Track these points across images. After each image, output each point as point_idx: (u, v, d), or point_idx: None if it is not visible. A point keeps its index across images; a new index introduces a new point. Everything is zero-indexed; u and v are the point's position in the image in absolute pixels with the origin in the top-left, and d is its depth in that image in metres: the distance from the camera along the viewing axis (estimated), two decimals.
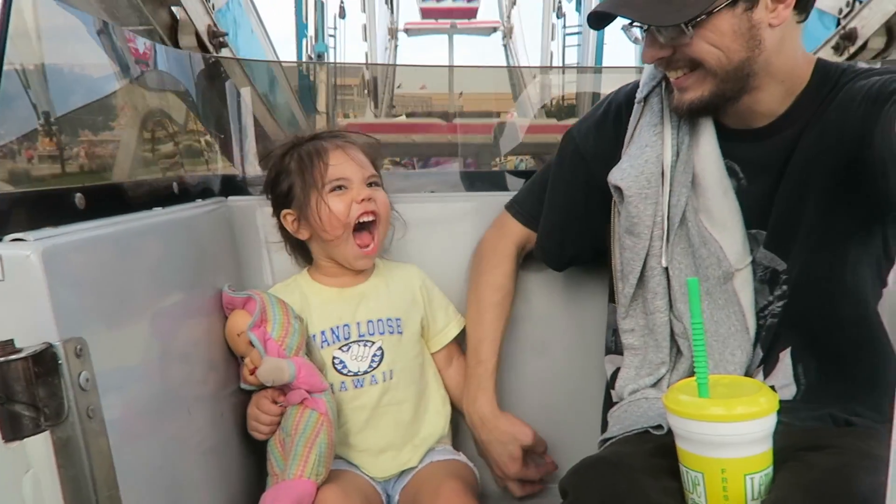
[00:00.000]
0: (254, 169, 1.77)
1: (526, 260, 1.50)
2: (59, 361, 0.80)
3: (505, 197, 1.52)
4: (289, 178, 1.37)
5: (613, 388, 1.27)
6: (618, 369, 1.27)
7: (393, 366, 1.38)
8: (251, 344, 1.25)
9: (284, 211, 1.39)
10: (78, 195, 1.01)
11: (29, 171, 1.08)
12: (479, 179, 1.81)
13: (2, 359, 0.74)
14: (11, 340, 0.76)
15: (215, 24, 1.92)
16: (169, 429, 1.08)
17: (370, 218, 1.35)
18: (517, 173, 1.76)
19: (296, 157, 1.38)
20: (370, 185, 1.37)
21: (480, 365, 1.42)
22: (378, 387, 1.37)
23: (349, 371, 1.36)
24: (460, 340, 1.50)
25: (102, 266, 0.96)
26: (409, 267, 1.50)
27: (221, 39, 1.91)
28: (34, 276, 0.80)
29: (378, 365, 1.37)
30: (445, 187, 1.77)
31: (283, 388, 1.25)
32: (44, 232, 0.87)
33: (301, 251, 1.46)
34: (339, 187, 1.34)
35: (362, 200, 1.34)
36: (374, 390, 1.37)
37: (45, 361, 0.78)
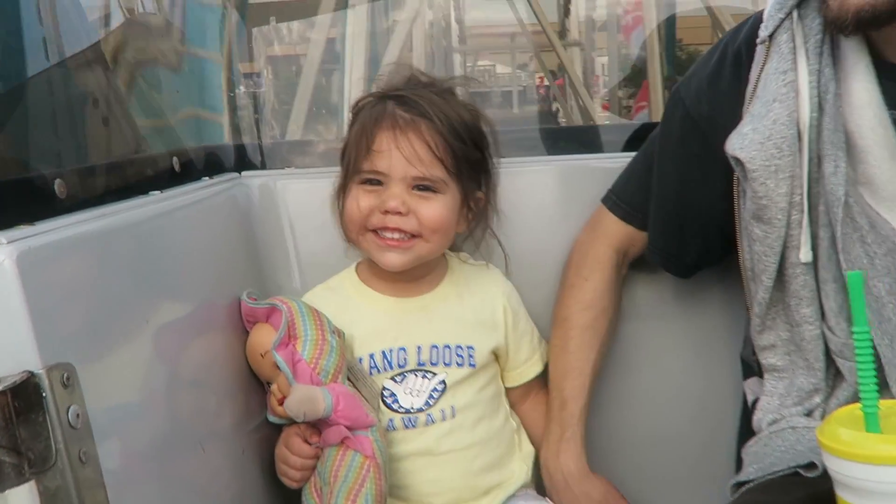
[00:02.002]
0: (274, 132, 1.81)
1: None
2: (43, 394, 0.84)
3: (603, 162, 1.51)
4: (349, 136, 1.39)
5: (752, 418, 1.27)
6: (759, 398, 1.27)
7: (455, 401, 1.40)
8: (277, 367, 1.29)
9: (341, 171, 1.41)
10: (57, 181, 1.05)
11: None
12: (565, 138, 1.82)
13: None
14: None
15: None
16: (179, 473, 1.13)
17: (394, 235, 1.33)
18: (617, 128, 1.76)
19: (364, 115, 1.38)
20: (420, 188, 1.34)
21: (565, 407, 1.43)
22: (435, 428, 1.39)
23: (400, 407, 1.39)
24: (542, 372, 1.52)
25: (91, 271, 1.00)
26: (491, 273, 1.51)
27: None
28: (9, 286, 0.84)
29: (436, 401, 1.39)
30: (520, 150, 1.77)
31: (319, 424, 1.29)
32: (18, 231, 0.91)
33: None
34: (372, 181, 1.35)
35: (386, 212, 1.32)
36: (430, 432, 1.39)
37: (26, 394, 0.82)
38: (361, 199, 1.34)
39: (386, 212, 1.32)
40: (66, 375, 0.87)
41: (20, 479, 0.81)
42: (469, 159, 1.38)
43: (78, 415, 0.88)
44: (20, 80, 1.12)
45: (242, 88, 1.77)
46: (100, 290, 1.01)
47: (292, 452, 1.32)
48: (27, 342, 0.84)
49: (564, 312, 1.47)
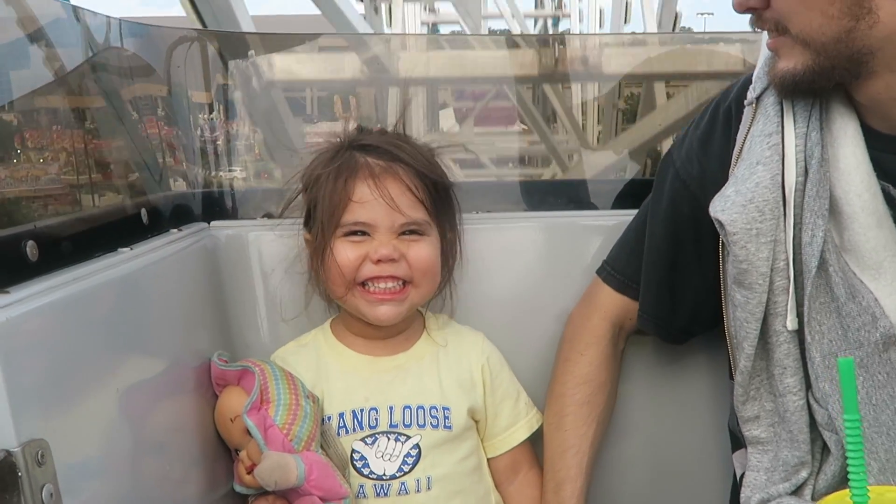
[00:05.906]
0: (246, 180, 1.84)
1: None
2: (19, 473, 0.89)
3: (590, 220, 1.57)
4: (317, 191, 1.44)
5: (740, 496, 1.33)
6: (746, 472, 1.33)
7: (432, 471, 1.44)
8: (248, 433, 1.34)
9: (305, 233, 1.49)
10: (30, 243, 1.10)
11: None
12: (553, 193, 1.87)
13: None
14: None
15: None
16: None
17: (387, 284, 1.40)
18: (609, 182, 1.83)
19: (331, 168, 1.43)
20: (406, 233, 1.42)
21: (561, 489, 1.46)
22: (408, 499, 1.43)
23: (371, 472, 1.43)
24: (536, 443, 1.55)
25: (63, 339, 1.05)
26: (471, 335, 1.57)
27: None
28: None
29: (411, 469, 1.44)
30: (504, 204, 1.83)
31: (289, 494, 1.34)
32: None
33: None
34: (357, 232, 1.41)
35: (378, 261, 1.39)
36: (402, 503, 1.43)
37: (1, 475, 0.87)
38: (349, 252, 1.40)
39: (378, 261, 1.39)
40: (40, 453, 0.92)
41: None
42: (442, 198, 1.47)
43: (51, 494, 0.93)
44: None
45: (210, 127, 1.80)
46: (71, 358, 1.06)
47: None
48: (4, 419, 0.89)
49: (560, 389, 1.51)
